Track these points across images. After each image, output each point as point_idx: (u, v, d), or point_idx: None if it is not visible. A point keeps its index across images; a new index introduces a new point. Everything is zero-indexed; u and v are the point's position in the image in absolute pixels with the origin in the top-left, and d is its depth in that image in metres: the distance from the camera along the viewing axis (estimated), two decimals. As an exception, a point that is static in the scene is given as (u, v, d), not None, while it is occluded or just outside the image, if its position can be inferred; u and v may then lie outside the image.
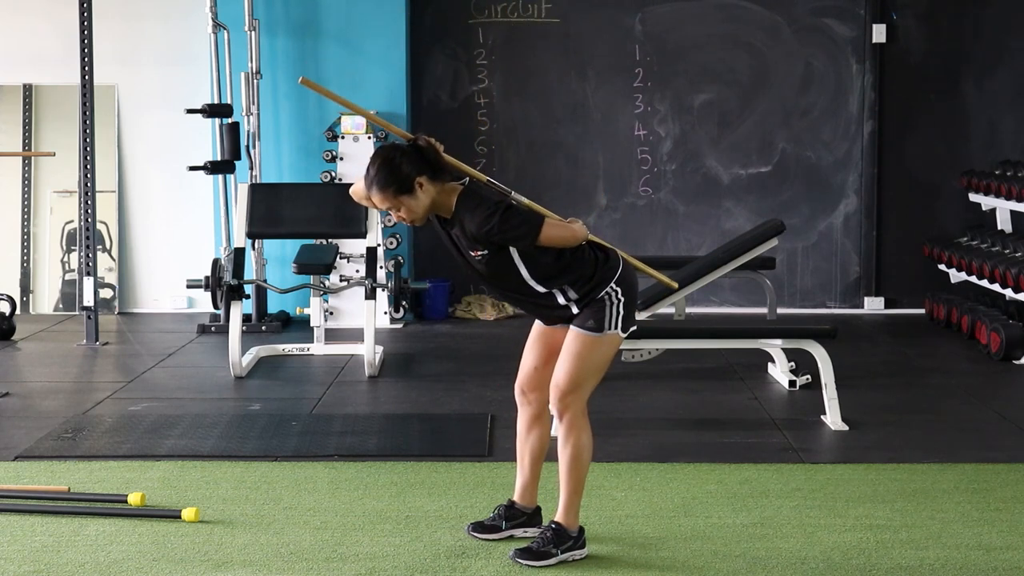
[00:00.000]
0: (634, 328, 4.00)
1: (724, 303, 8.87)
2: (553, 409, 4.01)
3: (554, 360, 4.00)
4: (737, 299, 8.84)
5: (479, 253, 3.86)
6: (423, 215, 3.85)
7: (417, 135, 3.88)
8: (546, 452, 4.18)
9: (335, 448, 5.30)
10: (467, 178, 3.90)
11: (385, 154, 3.83)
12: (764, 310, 7.08)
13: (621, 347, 6.00)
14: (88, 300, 7.63)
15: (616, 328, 3.92)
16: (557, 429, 4.03)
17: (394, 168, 3.79)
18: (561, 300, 3.93)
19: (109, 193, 8.65)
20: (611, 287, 3.92)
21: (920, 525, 4.33)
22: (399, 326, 8.29)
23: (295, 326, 8.25)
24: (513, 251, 3.86)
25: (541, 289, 3.92)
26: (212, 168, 8.01)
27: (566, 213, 4.30)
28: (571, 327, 3.94)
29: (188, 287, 7.13)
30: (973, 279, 7.81)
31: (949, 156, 8.74)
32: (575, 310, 3.93)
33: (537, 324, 4.12)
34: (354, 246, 8.03)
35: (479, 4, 8.75)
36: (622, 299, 3.92)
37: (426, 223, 3.93)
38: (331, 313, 8.16)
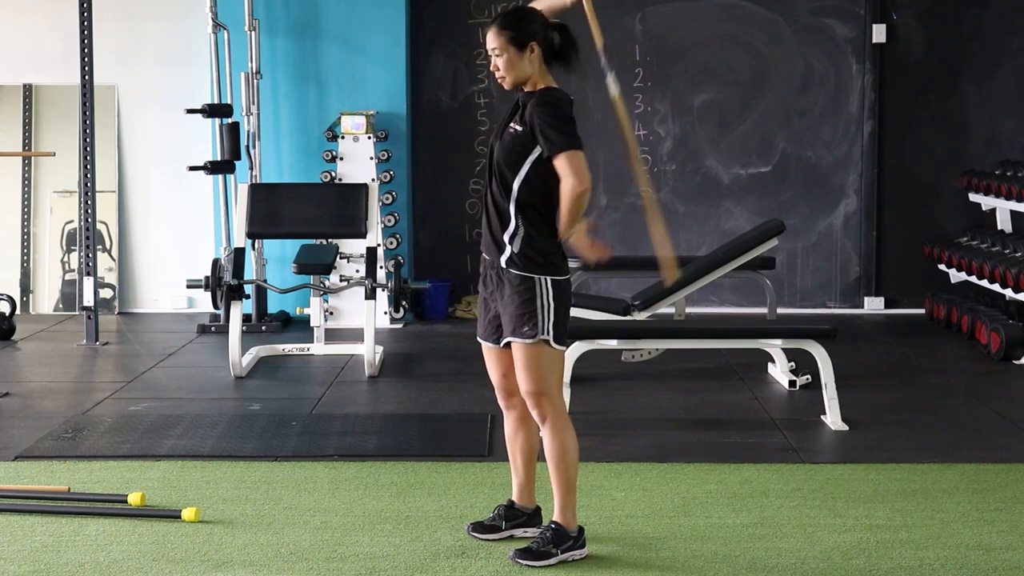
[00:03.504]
0: (568, 345, 4.04)
1: (724, 303, 8.86)
2: (534, 416, 4.04)
3: (513, 367, 4.04)
4: (737, 299, 8.84)
5: (517, 128, 3.93)
6: (516, 78, 3.96)
7: (569, 28, 4.04)
8: (536, 452, 4.18)
9: (335, 448, 5.30)
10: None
11: (524, 7, 4.04)
12: (764, 310, 7.09)
13: (621, 347, 6.05)
14: (88, 300, 7.63)
15: (548, 335, 3.93)
16: (543, 433, 4.04)
17: (521, 19, 3.97)
18: (506, 235, 3.94)
19: (109, 193, 8.65)
20: (547, 281, 3.93)
21: (920, 525, 4.33)
22: (399, 326, 8.29)
23: (295, 326, 8.24)
24: (532, 155, 3.90)
25: (510, 208, 3.93)
26: (212, 168, 8.00)
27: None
28: (513, 340, 3.95)
29: (188, 287, 7.13)
30: (973, 279, 7.81)
31: (949, 156, 8.73)
32: (503, 261, 3.94)
33: (482, 344, 4.14)
34: (354, 246, 8.02)
35: (479, 4, 8.74)
36: (552, 304, 3.93)
37: (504, 96, 4.02)
38: (331, 313, 8.16)
